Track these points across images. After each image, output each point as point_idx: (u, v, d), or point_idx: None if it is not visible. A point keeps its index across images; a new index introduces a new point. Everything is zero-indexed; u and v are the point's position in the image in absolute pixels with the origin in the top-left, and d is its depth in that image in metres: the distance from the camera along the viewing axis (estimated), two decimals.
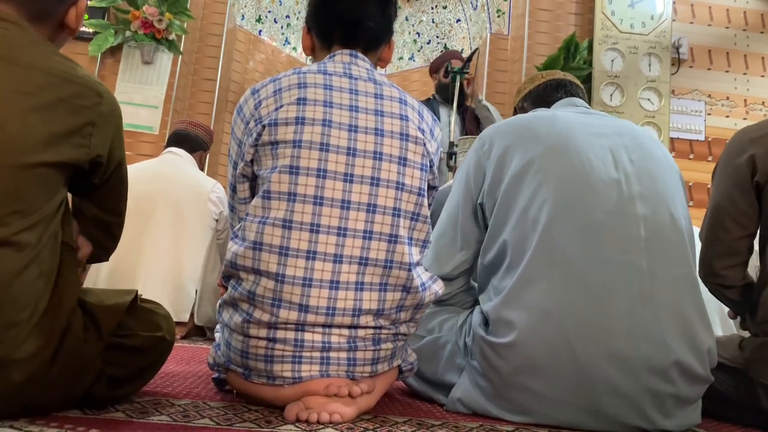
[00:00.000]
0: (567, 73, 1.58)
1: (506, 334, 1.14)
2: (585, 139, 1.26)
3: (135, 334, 1.07)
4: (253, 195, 1.17)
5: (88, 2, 1.07)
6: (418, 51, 5.55)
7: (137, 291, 1.14)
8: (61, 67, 0.94)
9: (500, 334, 1.15)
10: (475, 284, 1.42)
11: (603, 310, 1.11)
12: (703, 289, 1.30)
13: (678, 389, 1.12)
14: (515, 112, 1.61)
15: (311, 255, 1.06)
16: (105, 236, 1.13)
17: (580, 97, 1.50)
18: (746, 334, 1.49)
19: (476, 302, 1.36)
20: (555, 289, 1.13)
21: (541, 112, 1.38)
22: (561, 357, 1.10)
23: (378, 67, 1.29)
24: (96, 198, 1.07)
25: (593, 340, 1.10)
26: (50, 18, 1.00)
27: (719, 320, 2.01)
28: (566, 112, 1.37)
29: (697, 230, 1.62)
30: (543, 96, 1.52)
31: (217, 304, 1.21)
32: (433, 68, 3.75)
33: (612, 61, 3.96)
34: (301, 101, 1.12)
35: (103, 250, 1.15)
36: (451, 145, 3.06)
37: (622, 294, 1.12)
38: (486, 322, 1.22)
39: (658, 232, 1.18)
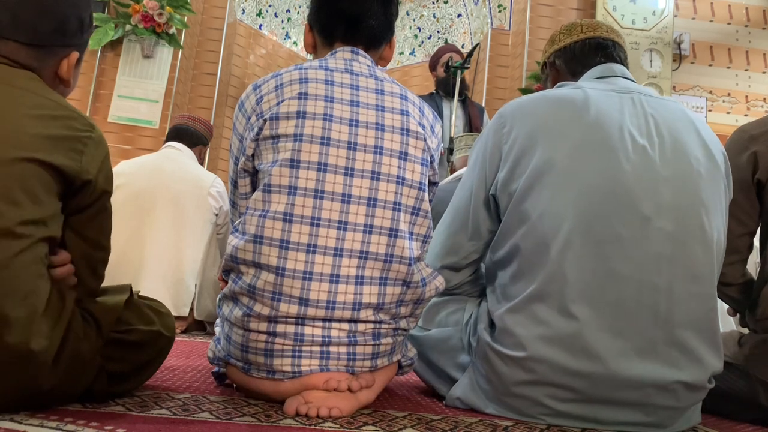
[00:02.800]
0: (610, 28, 1.36)
1: (514, 347, 1.11)
2: (617, 135, 1.13)
3: (134, 329, 1.07)
4: (254, 190, 1.17)
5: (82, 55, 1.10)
6: (419, 46, 5.54)
7: (131, 286, 1.14)
8: (56, 97, 0.98)
9: (507, 345, 1.13)
10: (483, 270, 1.37)
11: (616, 330, 1.08)
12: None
13: (681, 402, 1.12)
14: (544, 67, 1.44)
15: (311, 248, 1.07)
16: (87, 270, 1.02)
17: (622, 62, 1.33)
18: (746, 331, 1.49)
19: (483, 293, 1.33)
20: (568, 308, 1.08)
21: (570, 92, 1.21)
22: (569, 375, 1.08)
23: (378, 66, 1.28)
24: (77, 223, 1.00)
25: (604, 361, 1.07)
26: (44, 70, 1.02)
27: (719, 317, 2.01)
28: (600, 92, 1.20)
29: None
30: (579, 57, 1.34)
31: (217, 299, 1.22)
32: (431, 65, 3.75)
33: None
34: (303, 96, 1.12)
35: (85, 290, 1.03)
36: (452, 140, 3.06)
37: (638, 315, 1.08)
38: (492, 324, 1.19)
39: (683, 248, 1.10)
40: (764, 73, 4.17)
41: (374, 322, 1.12)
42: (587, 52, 1.33)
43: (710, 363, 1.12)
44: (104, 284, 1.10)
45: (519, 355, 1.10)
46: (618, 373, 1.07)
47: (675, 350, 1.09)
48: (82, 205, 0.99)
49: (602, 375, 1.07)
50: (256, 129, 1.12)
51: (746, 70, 4.17)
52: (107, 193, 1.02)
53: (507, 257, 1.19)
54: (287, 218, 1.06)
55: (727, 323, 2.03)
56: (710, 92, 4.12)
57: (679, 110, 1.23)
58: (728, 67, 4.16)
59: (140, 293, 1.20)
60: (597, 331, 1.07)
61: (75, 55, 1.05)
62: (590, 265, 1.08)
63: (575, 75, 1.35)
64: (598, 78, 1.28)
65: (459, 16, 5.23)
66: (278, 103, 1.12)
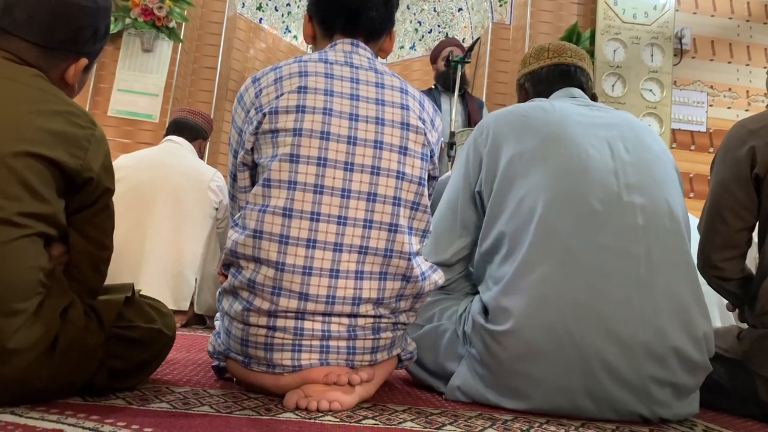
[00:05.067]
0: (575, 51, 1.51)
1: (504, 321, 1.15)
2: (581, 130, 1.27)
3: (135, 326, 1.07)
4: (253, 184, 1.17)
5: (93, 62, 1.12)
6: (420, 40, 5.53)
7: (133, 285, 1.14)
8: (58, 93, 0.98)
9: (499, 322, 1.16)
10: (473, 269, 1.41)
11: (601, 296, 1.12)
12: (702, 280, 1.31)
13: (676, 377, 1.13)
14: (517, 88, 1.58)
15: (311, 243, 1.07)
16: (89, 268, 1.02)
17: (584, 84, 1.48)
18: (745, 326, 1.49)
19: (475, 290, 1.37)
20: (552, 274, 1.14)
21: (538, 103, 1.37)
22: (559, 342, 1.11)
23: (378, 58, 1.28)
24: (79, 221, 1.00)
25: (591, 325, 1.11)
26: (51, 71, 1.02)
27: (718, 313, 2.01)
28: (563, 103, 1.36)
29: (695, 221, 1.62)
30: (545, 82, 1.49)
31: (217, 293, 1.22)
32: (432, 58, 3.75)
33: (614, 51, 3.95)
34: (302, 89, 1.11)
35: (88, 288, 1.03)
36: (452, 135, 3.05)
37: (620, 280, 1.14)
38: (485, 311, 1.22)
39: (654, 220, 1.19)
40: (765, 68, 4.16)
41: (374, 316, 1.12)
42: (552, 78, 1.48)
43: (697, 326, 1.16)
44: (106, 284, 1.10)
45: (508, 327, 1.14)
46: (607, 339, 1.11)
47: (661, 315, 1.13)
48: (85, 203, 0.99)
49: (592, 340, 1.10)
50: (255, 123, 1.12)
51: (747, 65, 4.15)
52: (109, 191, 1.03)
53: (494, 245, 1.26)
54: (287, 213, 1.06)
55: (727, 319, 2.03)
56: (711, 87, 4.11)
57: (631, 116, 1.39)
58: (729, 62, 4.15)
59: (141, 292, 1.20)
60: (583, 296, 1.12)
61: (84, 61, 1.05)
62: (571, 235, 1.16)
63: (541, 96, 1.49)
64: (560, 99, 1.43)
65: (460, 10, 5.21)
66: (277, 97, 1.12)
